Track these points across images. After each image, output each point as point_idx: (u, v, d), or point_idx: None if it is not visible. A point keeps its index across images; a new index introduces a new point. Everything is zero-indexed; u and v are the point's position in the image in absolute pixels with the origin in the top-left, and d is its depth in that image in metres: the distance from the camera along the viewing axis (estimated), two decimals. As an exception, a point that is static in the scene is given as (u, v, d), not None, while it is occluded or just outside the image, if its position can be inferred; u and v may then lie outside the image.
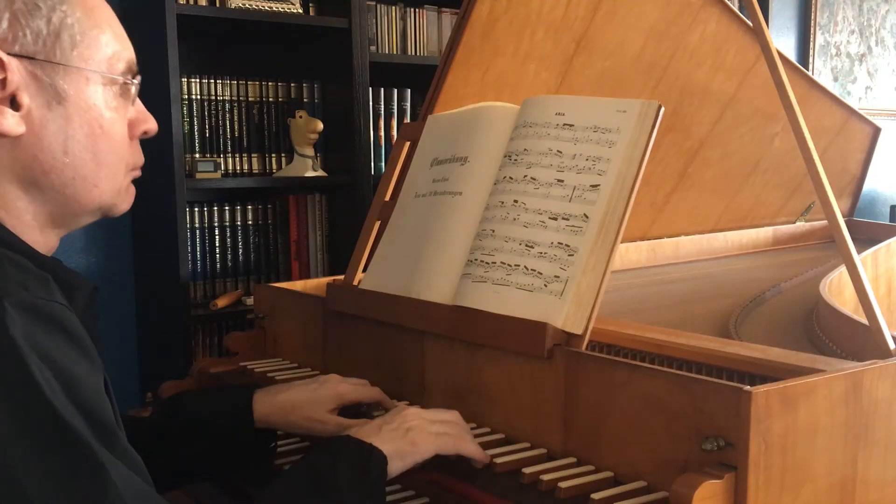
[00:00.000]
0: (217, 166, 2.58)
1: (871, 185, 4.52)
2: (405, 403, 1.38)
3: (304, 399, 1.26)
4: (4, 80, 0.88)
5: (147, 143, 2.80)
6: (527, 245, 1.28)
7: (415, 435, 1.09)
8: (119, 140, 0.98)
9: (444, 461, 1.13)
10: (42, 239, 0.96)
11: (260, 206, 2.75)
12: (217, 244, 2.67)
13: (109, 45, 0.95)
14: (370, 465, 1.04)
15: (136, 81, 0.99)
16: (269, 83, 2.79)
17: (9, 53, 0.88)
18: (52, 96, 0.91)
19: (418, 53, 3.03)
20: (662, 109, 1.26)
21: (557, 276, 1.23)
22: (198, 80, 2.63)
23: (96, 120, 0.94)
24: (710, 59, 2.16)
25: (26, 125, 0.90)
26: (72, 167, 0.93)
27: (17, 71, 0.88)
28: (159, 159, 2.42)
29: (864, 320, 1.25)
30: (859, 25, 4.66)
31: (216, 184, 2.59)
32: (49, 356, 0.79)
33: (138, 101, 1.02)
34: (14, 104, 0.89)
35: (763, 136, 2.47)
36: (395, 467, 1.07)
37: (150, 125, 1.04)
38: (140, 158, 1.04)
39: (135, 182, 1.05)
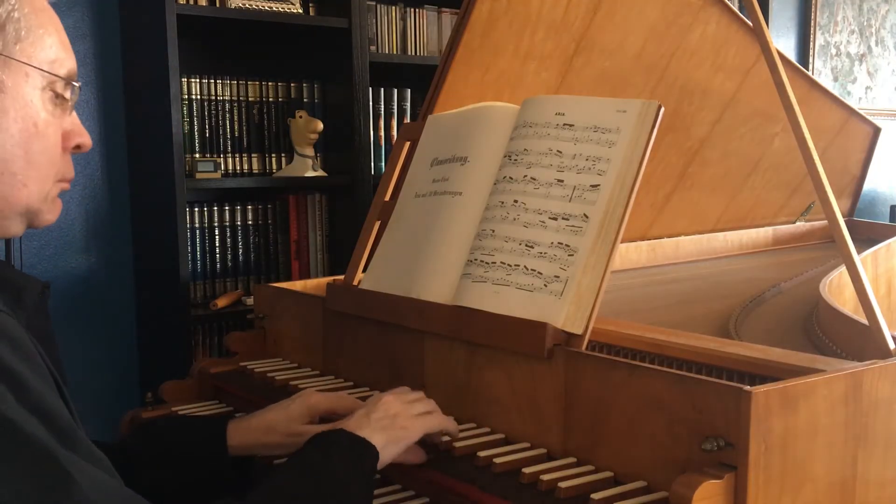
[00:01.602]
0: (217, 166, 2.58)
1: (871, 185, 4.52)
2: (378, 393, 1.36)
3: (277, 417, 1.24)
4: None
5: (147, 143, 2.81)
6: (527, 245, 1.28)
7: (403, 420, 1.13)
8: (52, 144, 0.96)
9: (442, 458, 1.14)
10: None
11: (260, 206, 2.75)
12: (217, 244, 2.67)
13: (53, 49, 0.95)
14: (364, 458, 1.06)
15: (76, 86, 0.98)
16: (269, 83, 2.78)
17: None
18: None
19: (418, 53, 3.02)
20: (662, 109, 1.26)
21: (557, 276, 1.23)
22: (198, 80, 2.63)
23: (31, 118, 0.93)
24: (710, 59, 2.16)
25: None
26: (2, 161, 0.92)
27: None
28: (159, 159, 2.42)
29: (864, 320, 1.25)
30: (859, 25, 4.66)
31: (216, 184, 2.58)
32: None
33: (74, 115, 1.01)
34: None
35: (763, 136, 2.47)
36: (390, 453, 1.10)
37: (84, 140, 1.02)
38: (70, 172, 1.02)
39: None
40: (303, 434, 1.21)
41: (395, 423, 1.12)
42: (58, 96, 0.96)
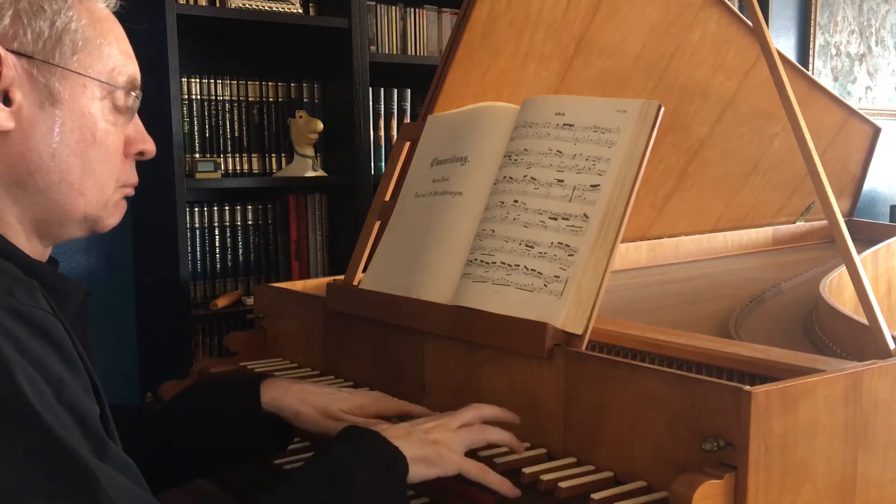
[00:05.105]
0: (217, 166, 2.58)
1: (871, 185, 4.52)
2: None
3: (320, 394, 1.22)
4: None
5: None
6: (527, 245, 1.28)
7: (441, 449, 1.07)
8: (112, 153, 0.97)
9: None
10: (29, 246, 0.95)
11: (260, 206, 2.75)
12: (217, 244, 2.67)
13: (112, 58, 0.96)
14: (396, 466, 1.01)
15: (135, 95, 0.99)
16: (269, 83, 2.78)
17: (7, 49, 0.89)
18: (46, 97, 0.91)
19: (418, 53, 3.02)
20: (662, 109, 1.26)
21: (557, 276, 1.23)
22: (198, 80, 2.63)
23: (89, 128, 0.94)
24: (710, 59, 2.16)
25: (16, 122, 0.90)
26: (58, 171, 0.93)
27: (13, 67, 0.89)
28: (159, 159, 2.41)
29: (864, 320, 1.25)
30: (859, 25, 4.66)
31: (216, 184, 2.58)
32: (35, 361, 0.78)
33: (138, 121, 1.02)
34: (6, 100, 0.89)
35: (763, 136, 2.47)
36: (419, 472, 1.04)
37: (148, 146, 1.03)
38: (133, 177, 1.03)
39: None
40: (339, 419, 1.19)
41: (434, 447, 1.06)
42: (118, 105, 0.97)
